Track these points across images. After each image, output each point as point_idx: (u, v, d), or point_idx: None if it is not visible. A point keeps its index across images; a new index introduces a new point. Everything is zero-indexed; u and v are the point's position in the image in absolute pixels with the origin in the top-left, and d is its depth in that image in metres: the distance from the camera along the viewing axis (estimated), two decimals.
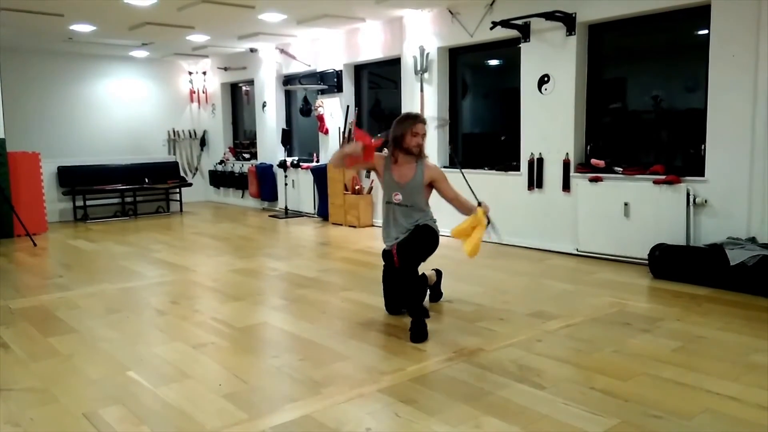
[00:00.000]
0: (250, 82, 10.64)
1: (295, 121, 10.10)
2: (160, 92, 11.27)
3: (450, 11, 6.93)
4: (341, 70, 8.68)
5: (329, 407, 2.71)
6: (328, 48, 8.82)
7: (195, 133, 11.69)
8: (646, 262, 5.10)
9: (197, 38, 8.96)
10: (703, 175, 5.09)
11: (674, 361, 3.19)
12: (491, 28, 6.26)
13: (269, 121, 10.13)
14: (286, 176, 9.60)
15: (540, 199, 6.27)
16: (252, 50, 10.06)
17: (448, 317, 4.10)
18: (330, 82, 8.80)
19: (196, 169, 11.72)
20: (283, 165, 9.61)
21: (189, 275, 5.56)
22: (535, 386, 2.90)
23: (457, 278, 4.96)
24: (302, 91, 9.51)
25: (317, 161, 9.30)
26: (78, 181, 9.39)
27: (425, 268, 4.07)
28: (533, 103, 6.25)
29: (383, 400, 2.78)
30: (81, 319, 4.17)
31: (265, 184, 10.09)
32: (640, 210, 5.41)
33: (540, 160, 6.24)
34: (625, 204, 5.50)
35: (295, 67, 9.45)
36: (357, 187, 8.28)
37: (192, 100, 11.68)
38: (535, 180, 6.29)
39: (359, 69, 8.76)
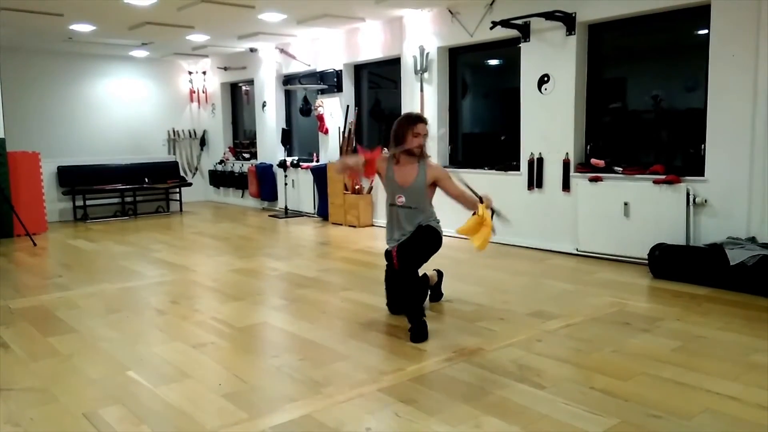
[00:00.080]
0: (250, 82, 10.64)
1: (295, 120, 10.10)
2: (159, 92, 11.26)
3: (450, 11, 6.93)
4: (341, 70, 8.68)
5: (329, 407, 2.71)
6: (328, 48, 8.82)
7: (195, 132, 11.69)
8: (646, 261, 5.10)
9: (197, 38, 8.96)
10: (702, 174, 5.09)
11: (674, 361, 3.19)
12: (491, 28, 6.26)
13: (269, 120, 10.13)
14: (286, 176, 9.60)
15: (540, 199, 6.27)
16: (252, 50, 10.06)
17: (448, 317, 4.10)
18: (330, 82, 8.80)
19: (196, 169, 11.71)
20: (283, 165, 9.61)
21: (189, 275, 5.56)
22: (535, 386, 2.90)
23: (457, 278, 4.96)
24: (302, 90, 9.51)
25: (317, 161, 9.30)
26: (78, 180, 9.39)
27: (427, 268, 4.07)
28: (533, 102, 6.25)
29: (383, 400, 2.78)
30: (81, 319, 4.17)
31: (265, 184, 10.09)
32: (640, 210, 5.41)
33: (540, 160, 6.25)
34: (625, 204, 5.50)
35: (295, 67, 9.45)
36: (357, 187, 8.28)
37: (192, 100, 11.68)
38: (535, 180, 6.29)
39: (359, 69, 8.76)
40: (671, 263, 4.91)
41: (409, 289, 3.75)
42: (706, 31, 5.02)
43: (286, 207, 9.53)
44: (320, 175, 8.80)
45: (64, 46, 9.29)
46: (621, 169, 5.64)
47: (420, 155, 3.93)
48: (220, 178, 11.30)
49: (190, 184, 10.66)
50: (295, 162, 9.52)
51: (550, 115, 6.11)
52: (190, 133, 11.63)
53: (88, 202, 9.37)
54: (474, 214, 3.75)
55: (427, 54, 7.29)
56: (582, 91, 5.97)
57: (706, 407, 2.66)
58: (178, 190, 10.36)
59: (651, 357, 3.26)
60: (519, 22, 6.11)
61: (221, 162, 11.25)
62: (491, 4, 6.46)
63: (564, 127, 6.01)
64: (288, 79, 9.73)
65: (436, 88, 7.29)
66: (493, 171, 6.72)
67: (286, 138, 9.92)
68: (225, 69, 10.94)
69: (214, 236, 7.76)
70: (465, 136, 7.53)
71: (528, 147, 6.34)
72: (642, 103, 5.92)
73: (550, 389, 2.86)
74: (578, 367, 3.16)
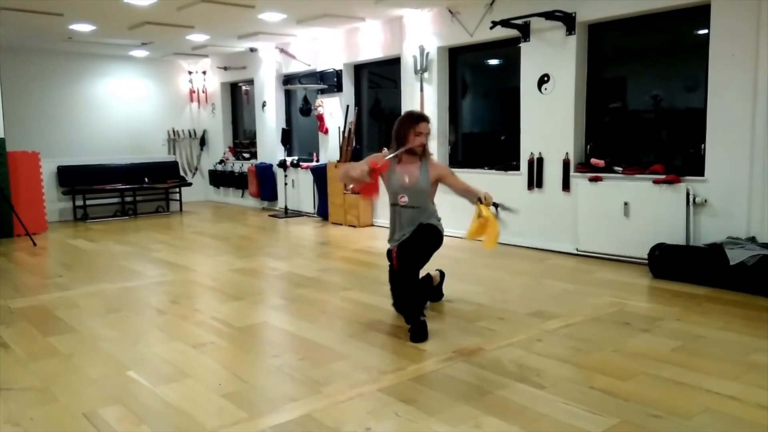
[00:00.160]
0: (250, 82, 10.64)
1: (294, 120, 10.10)
2: (159, 92, 11.26)
3: (450, 11, 6.93)
4: (341, 70, 8.67)
5: (329, 406, 2.71)
6: (328, 47, 8.82)
7: (195, 132, 11.69)
8: (646, 261, 5.10)
9: (197, 38, 8.95)
10: (702, 174, 5.09)
11: (674, 361, 3.19)
12: (491, 28, 6.26)
13: (269, 120, 10.13)
14: (285, 176, 9.60)
15: (540, 199, 6.27)
16: (252, 50, 10.05)
17: (448, 317, 4.10)
18: (330, 82, 8.80)
19: (196, 169, 11.71)
20: (282, 164, 9.61)
21: (189, 275, 5.56)
22: (535, 386, 2.90)
23: (457, 278, 4.95)
24: (302, 90, 9.51)
25: (317, 161, 9.30)
26: (78, 180, 9.39)
27: (428, 268, 4.06)
28: (533, 102, 6.25)
29: (383, 400, 2.77)
30: (81, 319, 4.17)
31: (264, 184, 10.09)
32: (639, 210, 5.41)
33: (540, 160, 6.25)
34: (625, 204, 5.50)
35: (295, 67, 9.44)
36: (350, 186, 8.27)
37: (192, 100, 11.67)
38: (535, 180, 6.29)
39: (359, 68, 8.76)
40: (671, 263, 4.91)
41: (409, 290, 3.74)
42: (706, 31, 5.02)
43: (286, 207, 9.53)
44: (320, 174, 8.80)
45: (64, 45, 9.29)
46: (621, 168, 5.65)
47: (422, 154, 3.92)
48: (220, 178, 11.30)
49: (190, 184, 10.66)
50: (295, 162, 9.52)
51: (550, 115, 6.11)
52: (190, 132, 11.63)
53: (88, 202, 9.37)
54: (479, 216, 3.73)
55: (427, 54, 7.29)
56: (582, 91, 5.97)
57: (706, 407, 2.66)
58: (178, 189, 10.36)
59: (651, 357, 3.26)
60: (519, 21, 6.11)
61: (221, 162, 11.25)
62: (491, 4, 6.46)
63: (564, 126, 6.01)
64: (288, 79, 9.73)
65: (436, 87, 7.29)
66: (493, 171, 6.72)
67: (286, 138, 9.92)
68: (225, 69, 10.94)
69: (214, 236, 7.76)
70: (465, 136, 7.53)
71: (528, 147, 6.34)
72: (642, 103, 5.92)
73: (550, 389, 2.86)
74: (578, 366, 3.16)
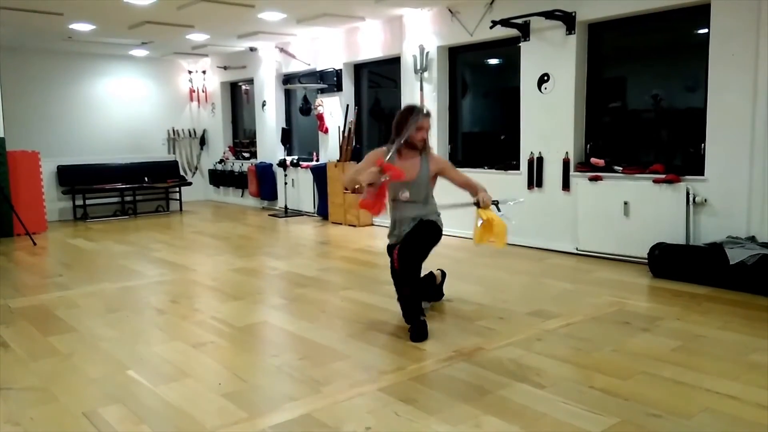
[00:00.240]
0: (250, 81, 10.63)
1: (294, 120, 10.09)
2: (159, 91, 11.26)
3: (450, 10, 6.93)
4: (341, 69, 8.67)
5: (329, 406, 2.71)
6: (328, 47, 8.82)
7: (195, 132, 11.69)
8: (646, 261, 5.10)
9: (197, 37, 8.95)
10: (702, 174, 5.09)
11: (674, 360, 3.19)
12: (491, 27, 6.26)
13: (269, 120, 10.13)
14: (285, 175, 9.59)
15: (540, 198, 6.27)
16: (252, 49, 10.05)
17: (448, 316, 4.10)
18: (330, 81, 8.80)
19: (196, 168, 11.71)
20: (282, 164, 9.61)
21: (189, 274, 5.56)
22: (535, 385, 2.90)
23: (457, 277, 4.95)
24: (302, 90, 9.51)
25: (317, 160, 9.30)
26: (78, 180, 9.39)
27: (430, 267, 4.06)
28: (533, 102, 6.25)
29: (383, 399, 2.78)
30: (81, 319, 4.17)
31: (264, 183, 10.08)
32: (639, 209, 5.41)
33: (540, 159, 6.24)
34: (625, 203, 5.50)
35: (295, 66, 9.44)
36: (357, 187, 8.26)
37: (192, 99, 11.67)
38: (535, 179, 6.29)
39: (359, 68, 8.76)
40: (671, 262, 4.91)
41: (411, 289, 3.74)
42: (706, 31, 5.01)
43: (285, 206, 9.53)
44: (320, 174, 8.79)
45: (63, 45, 9.28)
46: (621, 168, 5.64)
47: (422, 149, 3.92)
48: (219, 178, 11.30)
49: (189, 184, 10.66)
50: (294, 161, 9.52)
51: (549, 115, 6.11)
52: (189, 132, 11.63)
53: (87, 202, 9.37)
54: (480, 220, 3.73)
55: (427, 53, 7.29)
56: (582, 91, 5.97)
57: (706, 406, 2.66)
58: (177, 189, 10.36)
59: (651, 356, 3.26)
60: (519, 21, 6.11)
61: (221, 161, 11.25)
62: (491, 4, 6.46)
63: (564, 126, 6.01)
64: (288, 79, 9.73)
65: (435, 87, 7.29)
66: (493, 170, 6.72)
67: (286, 137, 9.92)
68: (225, 68, 10.94)
69: (213, 235, 7.76)
70: (465, 136, 7.53)
71: (528, 146, 6.34)
72: (642, 103, 5.92)
73: (550, 388, 2.86)
74: (578, 366, 3.16)
